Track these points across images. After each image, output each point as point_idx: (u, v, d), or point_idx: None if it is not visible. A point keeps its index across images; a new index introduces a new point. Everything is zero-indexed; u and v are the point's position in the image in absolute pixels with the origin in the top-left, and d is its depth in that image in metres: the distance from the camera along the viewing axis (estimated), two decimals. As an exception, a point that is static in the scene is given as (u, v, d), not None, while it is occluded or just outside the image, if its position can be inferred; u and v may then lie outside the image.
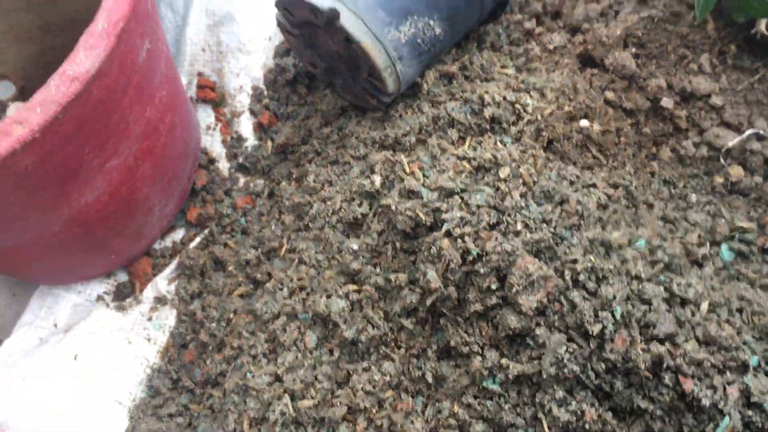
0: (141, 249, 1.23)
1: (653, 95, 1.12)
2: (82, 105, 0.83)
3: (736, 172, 1.11)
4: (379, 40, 1.06)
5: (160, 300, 1.21)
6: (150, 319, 1.19)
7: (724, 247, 1.05)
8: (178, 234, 1.28)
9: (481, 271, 0.88)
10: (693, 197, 1.11)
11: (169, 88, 1.09)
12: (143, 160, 1.05)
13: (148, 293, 1.22)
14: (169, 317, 1.20)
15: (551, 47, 1.23)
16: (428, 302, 0.92)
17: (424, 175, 0.99)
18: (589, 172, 1.04)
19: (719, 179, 1.12)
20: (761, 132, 1.11)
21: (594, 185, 1.00)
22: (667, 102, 1.11)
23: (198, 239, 1.26)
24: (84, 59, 0.81)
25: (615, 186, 1.03)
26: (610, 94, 1.11)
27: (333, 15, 1.05)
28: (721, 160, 1.12)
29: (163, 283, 1.22)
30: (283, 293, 1.04)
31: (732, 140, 1.10)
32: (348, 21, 1.05)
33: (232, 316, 1.10)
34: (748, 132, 1.10)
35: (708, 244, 1.04)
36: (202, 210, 1.27)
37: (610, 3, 1.24)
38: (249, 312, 1.07)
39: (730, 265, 1.03)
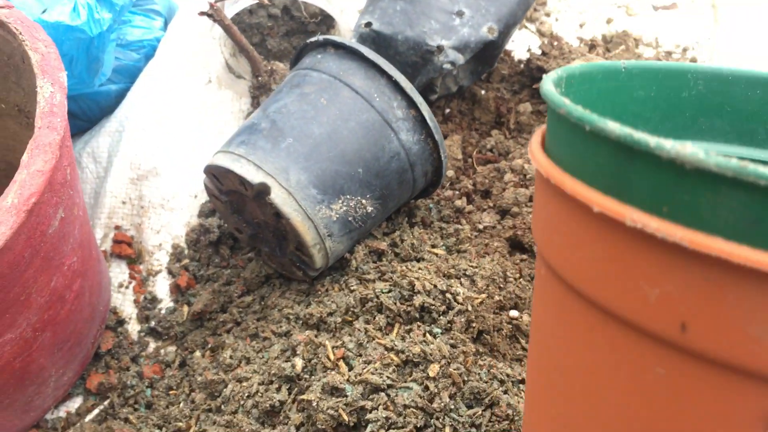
0: (29, 422, 1.11)
1: (581, 285, 1.12)
2: (-23, 283, 0.75)
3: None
4: (310, 217, 1.04)
5: (45, 482, 1.08)
6: (30, 503, 1.06)
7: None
8: (75, 403, 1.17)
9: (406, 482, 0.82)
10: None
11: (81, 253, 1.02)
12: (43, 330, 0.96)
13: (32, 472, 1.09)
14: (52, 503, 1.06)
15: (481, 227, 1.23)
16: None
17: (348, 367, 0.94)
18: (519, 366, 1.01)
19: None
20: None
21: (524, 381, 0.97)
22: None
23: (96, 411, 1.14)
24: (-14, 236, 0.74)
25: (544, 382, 1.00)
26: (539, 283, 1.10)
27: (263, 190, 1.02)
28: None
29: (50, 461, 1.10)
30: (186, 488, 0.94)
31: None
32: (278, 197, 1.02)
33: None
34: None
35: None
36: (104, 378, 1.16)
37: (539, 189, 1.26)
38: (145, 507, 0.96)
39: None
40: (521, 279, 1.11)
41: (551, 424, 0.54)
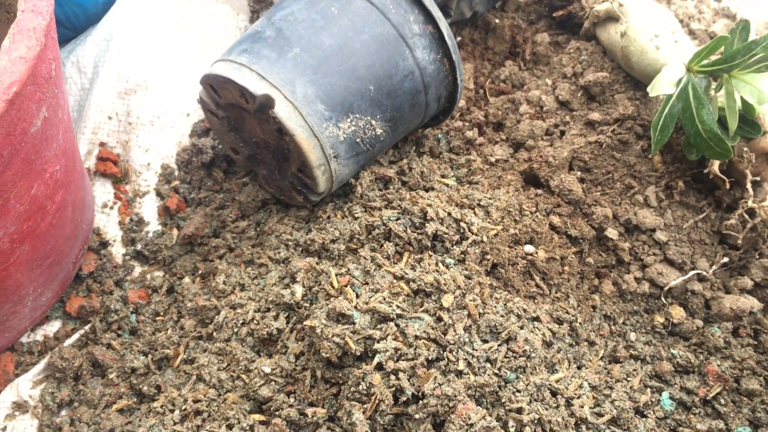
0: (4, 344, 1.03)
1: (598, 224, 1.06)
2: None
3: (677, 313, 1.05)
4: (316, 135, 0.95)
5: (20, 406, 1.00)
6: (4, 429, 0.99)
7: (665, 395, 0.97)
8: (53, 327, 1.09)
9: (416, 416, 0.75)
10: (632, 336, 1.04)
11: (65, 162, 0.93)
12: (21, 242, 0.88)
13: (6, 396, 1.02)
14: (28, 429, 0.99)
15: (493, 160, 1.16)
16: (349, 446, 0.78)
17: (355, 294, 0.87)
18: (533, 303, 0.95)
19: (660, 318, 1.05)
20: (703, 273, 1.06)
21: (538, 319, 0.91)
22: (611, 233, 1.05)
23: (76, 336, 1.07)
24: (-41, 125, 0.66)
25: (559, 321, 0.94)
26: (555, 219, 1.04)
27: (267, 102, 0.93)
28: (663, 299, 1.06)
29: (26, 385, 1.02)
30: (174, 417, 0.87)
31: (674, 279, 1.05)
32: (283, 111, 0.93)
33: (107, 437, 0.92)
34: (691, 273, 1.05)
35: (649, 391, 0.96)
36: (85, 301, 1.08)
37: (556, 122, 1.19)
38: (129, 436, 0.89)
39: (672, 415, 0.95)
40: (537, 213, 1.04)
41: None
